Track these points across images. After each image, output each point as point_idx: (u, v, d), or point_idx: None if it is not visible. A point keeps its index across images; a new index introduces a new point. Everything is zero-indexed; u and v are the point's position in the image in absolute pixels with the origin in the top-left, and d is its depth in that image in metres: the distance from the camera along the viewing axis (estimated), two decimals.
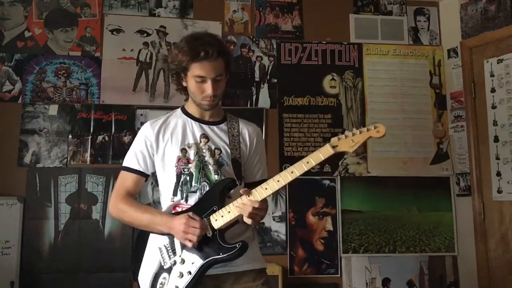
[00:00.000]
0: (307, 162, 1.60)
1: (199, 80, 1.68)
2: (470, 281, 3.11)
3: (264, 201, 1.63)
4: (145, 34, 3.18)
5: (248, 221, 1.60)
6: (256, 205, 1.58)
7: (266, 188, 1.61)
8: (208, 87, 1.68)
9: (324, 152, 1.60)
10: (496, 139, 3.05)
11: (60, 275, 2.85)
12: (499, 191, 3.00)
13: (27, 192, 2.90)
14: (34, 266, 2.83)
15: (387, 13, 3.46)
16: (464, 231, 3.19)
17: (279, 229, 3.10)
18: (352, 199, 3.20)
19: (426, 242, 3.19)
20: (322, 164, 3.15)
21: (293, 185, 3.13)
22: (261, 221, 1.80)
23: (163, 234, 1.67)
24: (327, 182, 3.19)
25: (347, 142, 1.60)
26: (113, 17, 3.16)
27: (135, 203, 1.74)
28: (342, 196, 3.18)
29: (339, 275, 3.10)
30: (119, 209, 1.73)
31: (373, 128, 1.61)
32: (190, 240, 1.58)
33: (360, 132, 1.61)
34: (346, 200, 3.18)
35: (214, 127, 1.79)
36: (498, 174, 3.02)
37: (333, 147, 1.60)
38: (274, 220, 3.09)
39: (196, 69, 1.67)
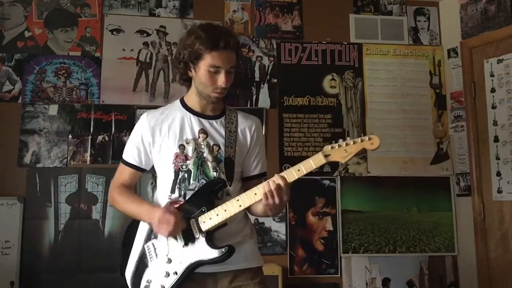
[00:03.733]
0: (298, 170, 1.60)
1: (213, 70, 1.64)
2: (470, 281, 3.11)
3: (282, 186, 1.58)
4: (145, 34, 3.18)
5: (263, 196, 1.57)
6: (279, 182, 1.56)
7: (255, 194, 1.61)
8: (221, 78, 1.65)
9: (316, 161, 1.59)
10: (496, 139, 3.05)
11: (60, 275, 2.85)
12: (499, 191, 3.00)
13: (27, 192, 2.90)
14: (34, 266, 2.83)
15: (387, 13, 3.46)
16: (464, 231, 3.19)
17: (279, 229, 3.10)
18: (352, 199, 3.20)
19: (426, 242, 3.19)
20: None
21: (293, 185, 3.13)
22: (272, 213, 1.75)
23: (149, 223, 1.68)
24: (327, 182, 3.19)
25: (340, 152, 1.58)
26: (113, 17, 3.16)
27: (127, 194, 1.76)
28: (342, 196, 3.18)
29: (339, 275, 3.10)
30: (113, 199, 1.79)
31: (367, 139, 1.58)
32: (163, 232, 1.59)
33: (354, 143, 1.58)
34: (346, 200, 3.18)
35: (213, 122, 1.76)
36: (498, 174, 3.02)
37: (326, 156, 1.59)
38: (274, 220, 3.09)
39: (212, 59, 1.63)
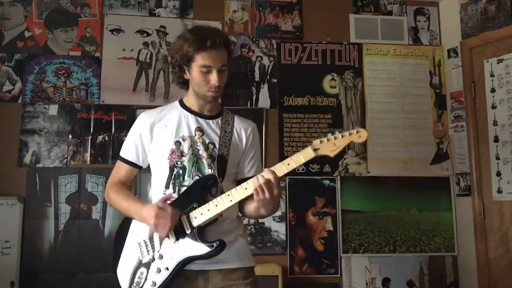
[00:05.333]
0: (288, 164, 1.60)
1: (205, 70, 1.68)
2: (470, 281, 3.11)
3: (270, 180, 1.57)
4: (145, 34, 3.18)
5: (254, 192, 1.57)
6: (267, 177, 1.56)
7: (246, 188, 1.61)
8: (213, 77, 1.68)
9: (305, 155, 1.60)
10: (496, 139, 3.05)
11: (60, 275, 2.85)
12: (499, 191, 3.00)
13: (27, 192, 2.90)
14: (34, 266, 2.83)
15: (387, 13, 3.46)
16: (464, 231, 3.19)
17: (279, 229, 3.10)
18: (352, 199, 3.20)
19: (426, 242, 3.19)
20: (322, 164, 3.19)
21: (293, 185, 3.15)
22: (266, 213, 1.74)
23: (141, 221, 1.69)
24: (327, 182, 3.19)
25: (329, 146, 1.60)
26: (113, 17, 3.16)
27: (122, 192, 1.78)
28: (342, 196, 3.18)
29: (339, 275, 3.10)
30: (109, 197, 1.81)
31: (355, 132, 1.60)
32: (162, 229, 1.59)
33: (342, 136, 1.60)
34: (346, 200, 3.18)
35: (210, 121, 1.79)
36: (498, 174, 3.02)
37: (315, 150, 1.60)
38: (274, 220, 3.09)
39: (202, 59, 1.67)
